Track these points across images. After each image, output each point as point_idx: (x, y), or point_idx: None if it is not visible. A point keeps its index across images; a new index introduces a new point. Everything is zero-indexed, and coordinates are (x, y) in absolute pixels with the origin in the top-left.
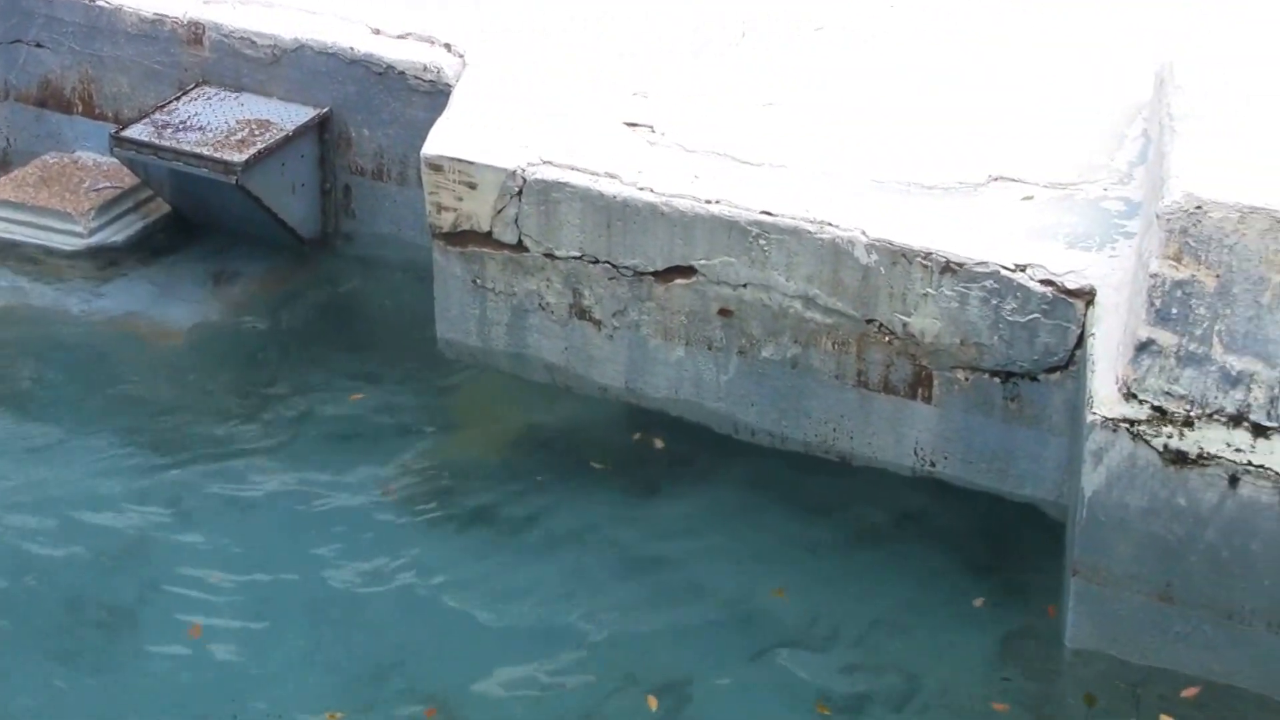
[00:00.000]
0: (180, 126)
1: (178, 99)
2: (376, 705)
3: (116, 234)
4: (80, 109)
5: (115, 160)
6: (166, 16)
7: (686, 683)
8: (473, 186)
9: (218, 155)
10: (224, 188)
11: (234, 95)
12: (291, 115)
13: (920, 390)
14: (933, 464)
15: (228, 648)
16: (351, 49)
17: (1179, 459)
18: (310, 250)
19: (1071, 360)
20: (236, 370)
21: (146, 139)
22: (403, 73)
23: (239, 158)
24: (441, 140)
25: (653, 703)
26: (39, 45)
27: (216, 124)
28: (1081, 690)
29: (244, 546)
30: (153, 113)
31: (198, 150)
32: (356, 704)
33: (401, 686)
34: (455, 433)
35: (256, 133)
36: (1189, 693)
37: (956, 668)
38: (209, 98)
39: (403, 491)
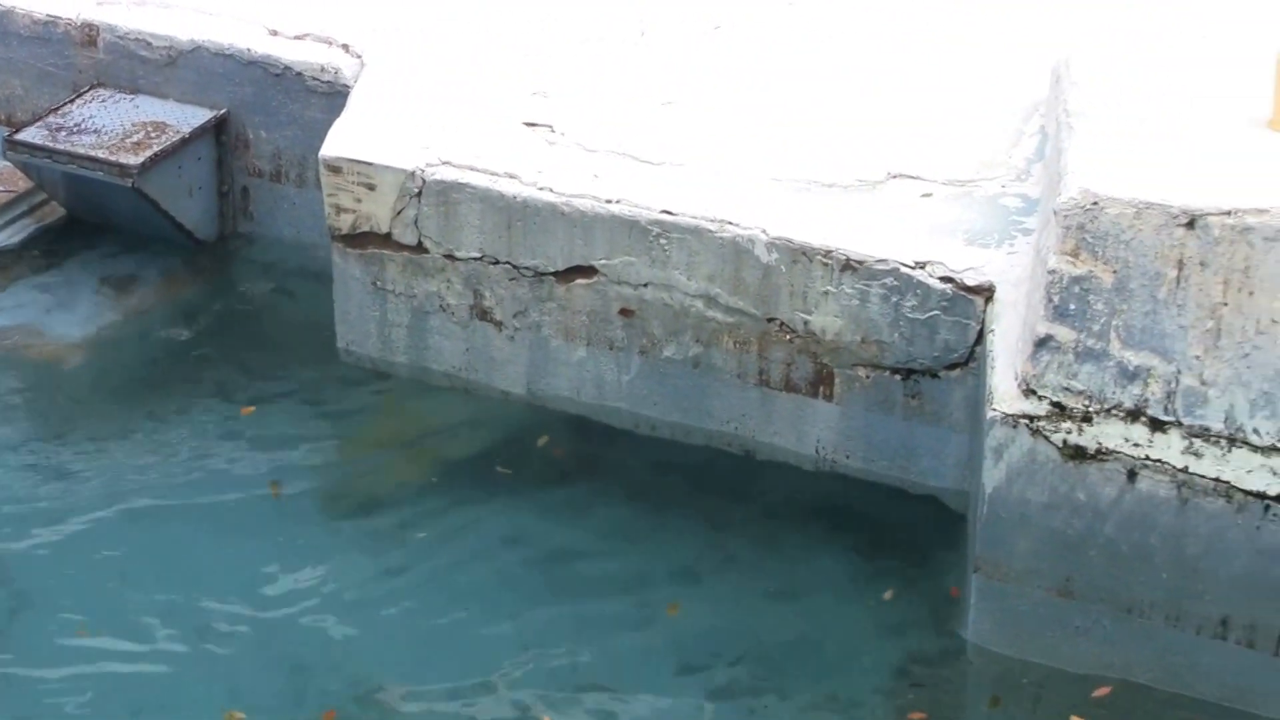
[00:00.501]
0: (75, 129)
1: (72, 101)
2: (275, 709)
3: (10, 238)
4: None
5: (8, 164)
6: (60, 18)
7: (583, 689)
8: (372, 188)
9: (113, 158)
10: (120, 191)
11: (129, 97)
12: (188, 117)
13: (822, 388)
14: (835, 462)
15: (119, 657)
16: (249, 50)
17: (1078, 454)
18: (208, 253)
19: (971, 357)
20: (132, 377)
21: (40, 142)
22: (300, 74)
23: (135, 160)
24: (340, 141)
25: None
26: None
27: (112, 126)
28: (985, 689)
29: (138, 556)
30: (47, 115)
31: (93, 153)
32: (255, 707)
33: (300, 690)
34: (354, 437)
35: (153, 135)
36: (1100, 692)
37: (859, 667)
38: (104, 100)
39: (300, 497)
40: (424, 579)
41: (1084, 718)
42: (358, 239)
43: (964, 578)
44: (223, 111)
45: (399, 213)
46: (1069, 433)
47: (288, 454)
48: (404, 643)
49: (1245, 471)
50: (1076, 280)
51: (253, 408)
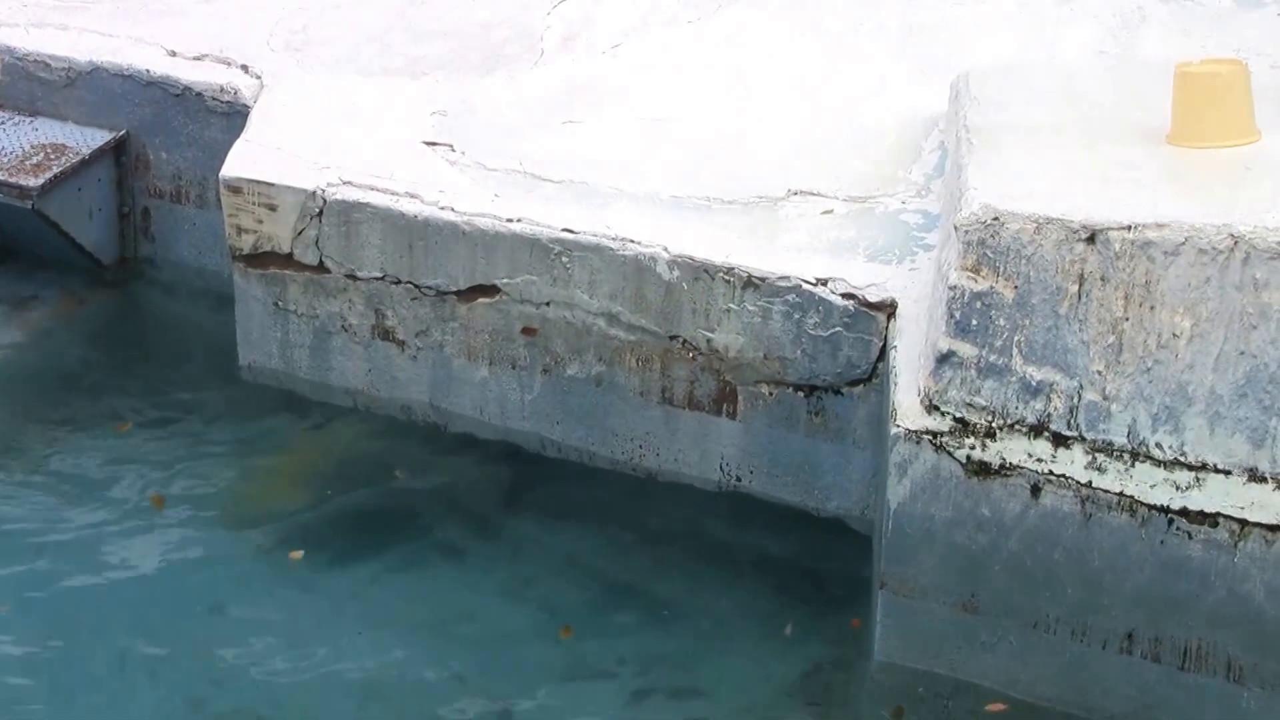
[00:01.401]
0: None
1: None
2: None
3: None
4: None
5: None
6: None
7: (478, 710)
8: (272, 208)
9: (13, 180)
10: (20, 213)
11: (28, 119)
12: (88, 138)
13: (725, 406)
14: (739, 479)
15: (16, 682)
16: (148, 71)
17: (982, 470)
18: (110, 275)
19: (874, 373)
20: (31, 396)
21: None
22: (200, 94)
23: (35, 182)
24: (240, 162)
25: None
26: None
27: (11, 148)
28: (889, 703)
29: (18, 582)
30: None
31: None
32: None
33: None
34: (254, 457)
35: (52, 156)
36: (994, 707)
37: (759, 690)
38: (2, 122)
39: (196, 520)
40: (314, 602)
41: None
42: (259, 259)
43: (868, 601)
44: (122, 133)
45: (300, 233)
46: (972, 448)
47: (184, 474)
48: (289, 666)
49: (1148, 486)
50: (978, 296)
51: (132, 424)
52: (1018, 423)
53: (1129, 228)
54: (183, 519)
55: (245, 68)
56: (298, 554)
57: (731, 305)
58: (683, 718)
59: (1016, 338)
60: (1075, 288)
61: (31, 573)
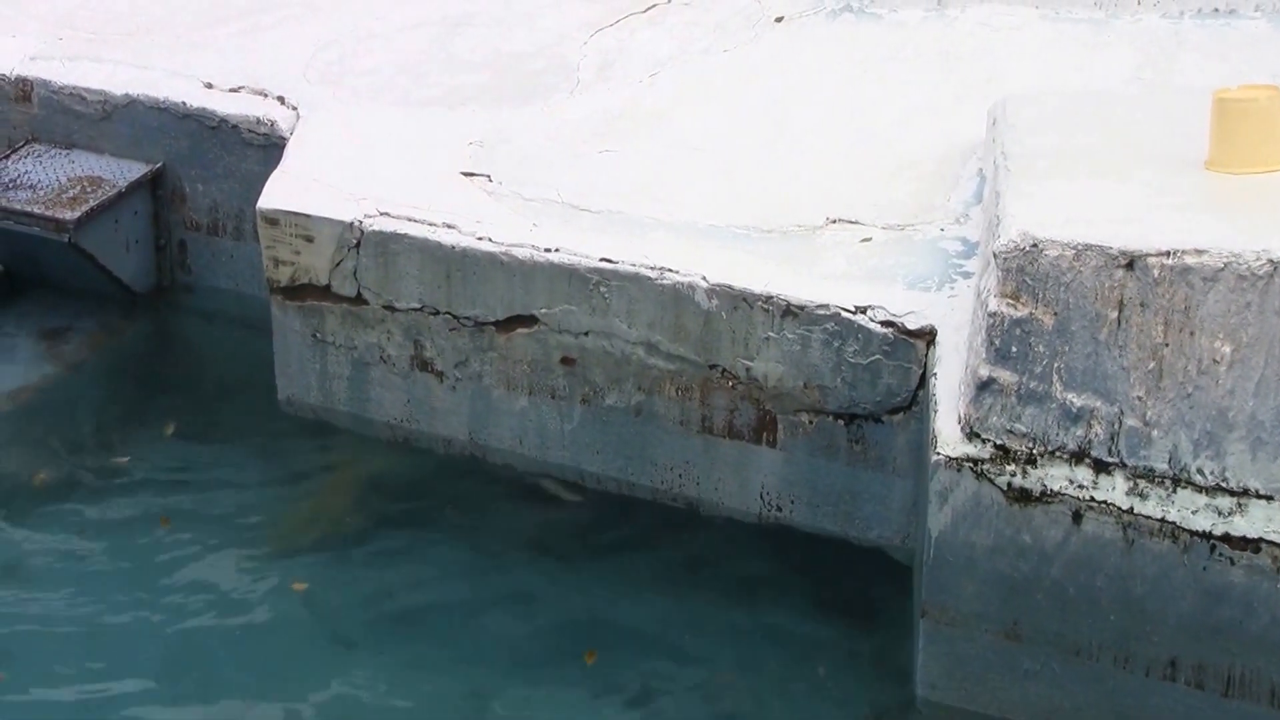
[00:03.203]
0: (10, 185)
1: (7, 157)
2: None
3: None
4: None
5: None
6: None
7: None
8: (310, 240)
9: (49, 213)
10: (57, 246)
11: (65, 152)
12: (124, 171)
13: (765, 434)
14: (779, 508)
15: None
16: (184, 103)
17: (1023, 497)
18: (146, 307)
19: (914, 401)
20: (69, 428)
21: None
22: (236, 126)
23: (71, 215)
24: (277, 194)
25: None
26: None
27: (47, 181)
28: None
29: (75, 610)
30: None
31: (29, 209)
32: None
33: None
34: (294, 490)
35: (89, 190)
36: None
37: (799, 717)
38: (39, 155)
39: (234, 552)
40: (358, 630)
41: None
42: (297, 291)
43: (910, 630)
44: (159, 165)
45: (338, 264)
46: (1013, 475)
47: (225, 506)
48: (324, 688)
49: (1190, 512)
50: (1017, 323)
51: (189, 460)
52: (1059, 449)
53: (1168, 254)
54: (221, 552)
55: (281, 99)
56: (301, 585)
57: (771, 334)
58: None
59: (1056, 364)
60: (1115, 314)
61: (63, 605)
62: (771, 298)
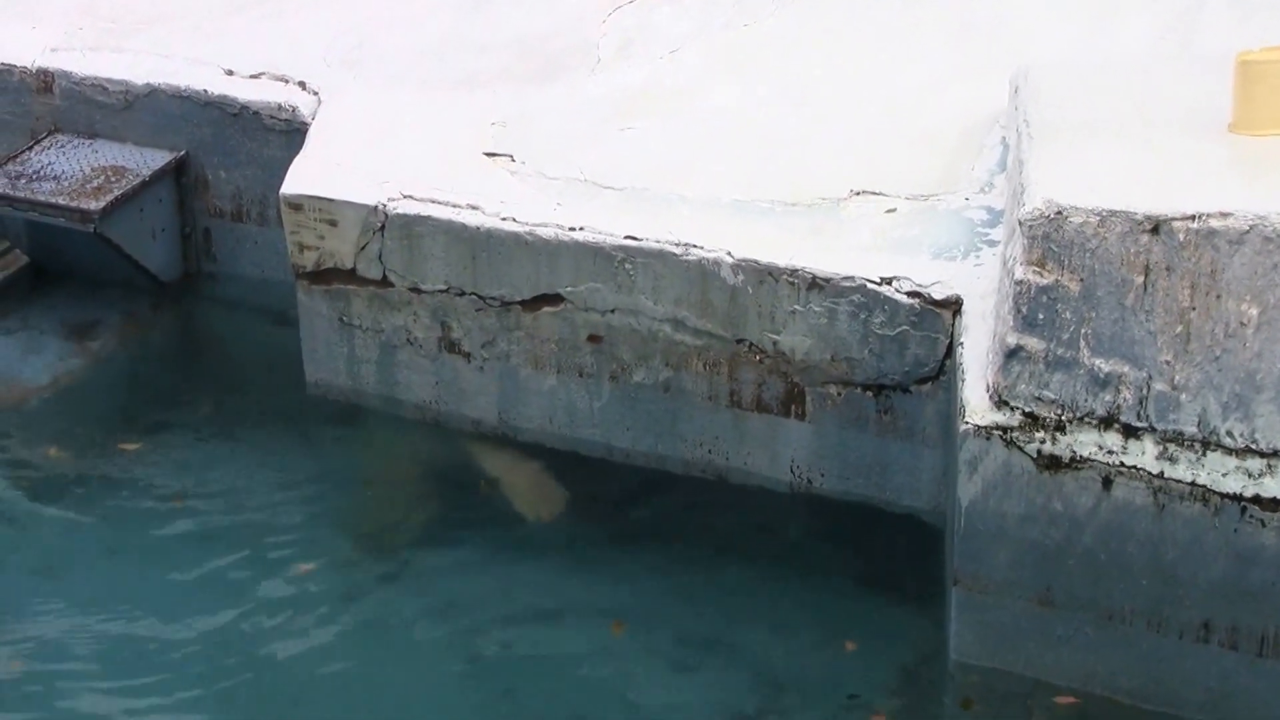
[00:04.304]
0: (34, 176)
1: (30, 148)
2: None
3: None
4: None
5: None
6: (15, 66)
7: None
8: (334, 224)
9: (74, 204)
10: (82, 236)
11: (88, 142)
12: (147, 160)
13: (794, 407)
14: (809, 480)
15: (105, 704)
16: (205, 91)
17: (1053, 464)
18: (173, 295)
19: (942, 370)
20: (101, 419)
21: (0, 191)
22: (257, 113)
23: (96, 205)
24: (300, 179)
25: None
26: None
27: (71, 172)
28: (960, 696)
29: (110, 604)
30: (5, 163)
31: (53, 200)
32: None
33: None
34: (327, 472)
35: (112, 179)
36: (1064, 700)
37: (832, 689)
38: (62, 146)
39: (268, 538)
40: (391, 609)
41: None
42: (322, 275)
43: (942, 599)
44: (181, 153)
45: (362, 248)
46: (1043, 443)
47: (259, 492)
48: (373, 675)
49: (1220, 475)
50: (1044, 290)
51: (220, 447)
52: (1087, 415)
53: (1193, 218)
54: (256, 537)
55: (303, 84)
56: (309, 566)
57: (797, 307)
58: (747, 713)
59: (1083, 330)
60: (1141, 279)
61: (95, 596)
62: (797, 271)
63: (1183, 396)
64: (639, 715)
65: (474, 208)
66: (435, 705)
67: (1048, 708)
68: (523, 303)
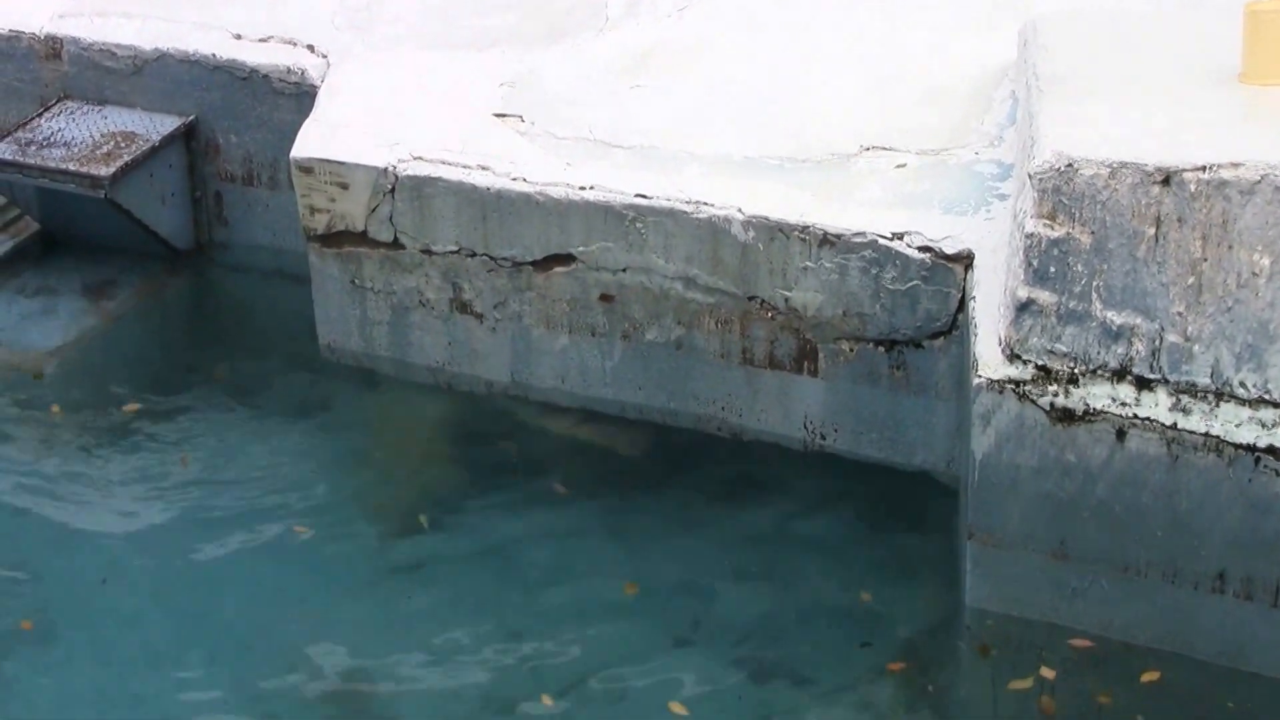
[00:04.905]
0: (44, 143)
1: (40, 115)
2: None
3: None
4: None
5: None
6: (22, 33)
7: (579, 673)
8: (345, 187)
9: (85, 170)
10: (93, 202)
11: (97, 108)
12: (157, 125)
13: (806, 364)
14: (823, 437)
15: (126, 670)
16: (213, 55)
17: (1066, 416)
18: (185, 260)
19: (954, 325)
20: (115, 383)
21: (10, 158)
22: (267, 76)
23: (106, 171)
24: (310, 142)
25: (548, 700)
26: None
27: (81, 138)
28: (976, 643)
29: (130, 564)
30: (15, 130)
31: (64, 166)
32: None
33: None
34: (341, 435)
35: (122, 145)
36: (1079, 642)
37: (847, 643)
38: (72, 112)
39: (282, 497)
40: (413, 570)
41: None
42: (334, 238)
43: (957, 552)
44: (191, 118)
45: (373, 210)
46: (1056, 395)
47: (275, 454)
48: (389, 632)
49: (1234, 425)
50: (1055, 243)
51: (234, 410)
52: (1100, 367)
53: (1204, 168)
54: (266, 498)
55: (311, 48)
56: (318, 527)
57: (808, 263)
58: (765, 667)
59: (1095, 283)
60: (1152, 231)
61: (117, 556)
62: (808, 227)
63: (1195, 348)
64: (651, 671)
65: (484, 168)
66: (444, 662)
67: (1063, 652)
68: (534, 263)
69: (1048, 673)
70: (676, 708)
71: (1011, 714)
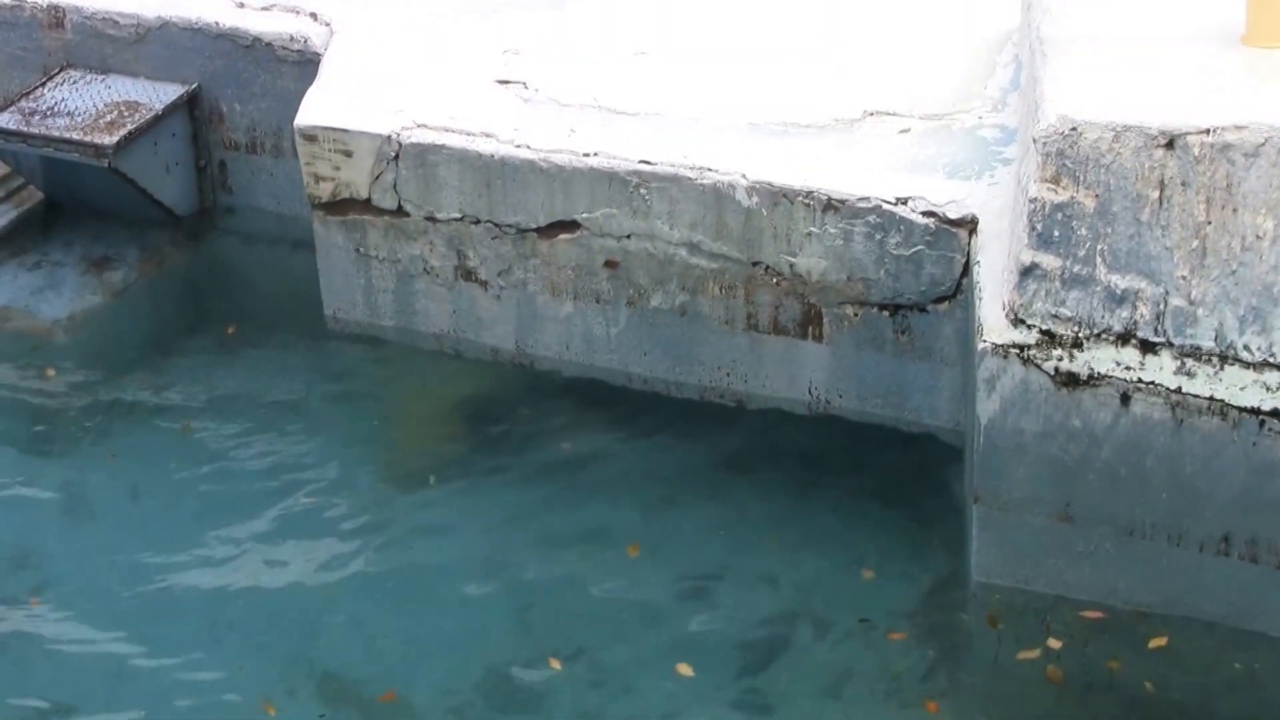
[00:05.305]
0: (48, 112)
1: (43, 84)
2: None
3: None
4: None
5: None
6: (25, 2)
7: (582, 637)
8: (349, 154)
9: (88, 139)
10: (97, 171)
11: (100, 77)
12: (160, 94)
13: (811, 329)
14: (828, 402)
15: (132, 638)
16: (216, 23)
17: (1070, 381)
18: (190, 228)
19: (958, 290)
20: (120, 352)
21: (14, 127)
22: (270, 44)
23: (110, 140)
24: (314, 110)
25: (555, 663)
26: None
27: (85, 107)
28: (982, 613)
29: (139, 537)
30: (19, 100)
31: (68, 135)
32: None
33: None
34: (346, 403)
35: (126, 114)
36: (1090, 614)
37: (854, 605)
38: (75, 81)
39: (288, 462)
40: (421, 542)
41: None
42: (338, 206)
43: (963, 516)
44: (194, 86)
45: (377, 177)
46: (1060, 360)
47: (281, 420)
48: (395, 592)
49: (1238, 389)
50: (1059, 207)
51: (240, 378)
52: (1104, 332)
53: (1207, 131)
54: (271, 465)
55: (314, 15)
56: (324, 493)
57: (813, 229)
58: (770, 628)
59: (1099, 247)
60: (1156, 194)
61: (115, 526)
62: (812, 193)
63: (1199, 311)
64: (651, 638)
65: (488, 135)
66: (452, 626)
67: (1071, 622)
68: (538, 230)
69: (1055, 643)
70: (683, 669)
71: (1020, 684)
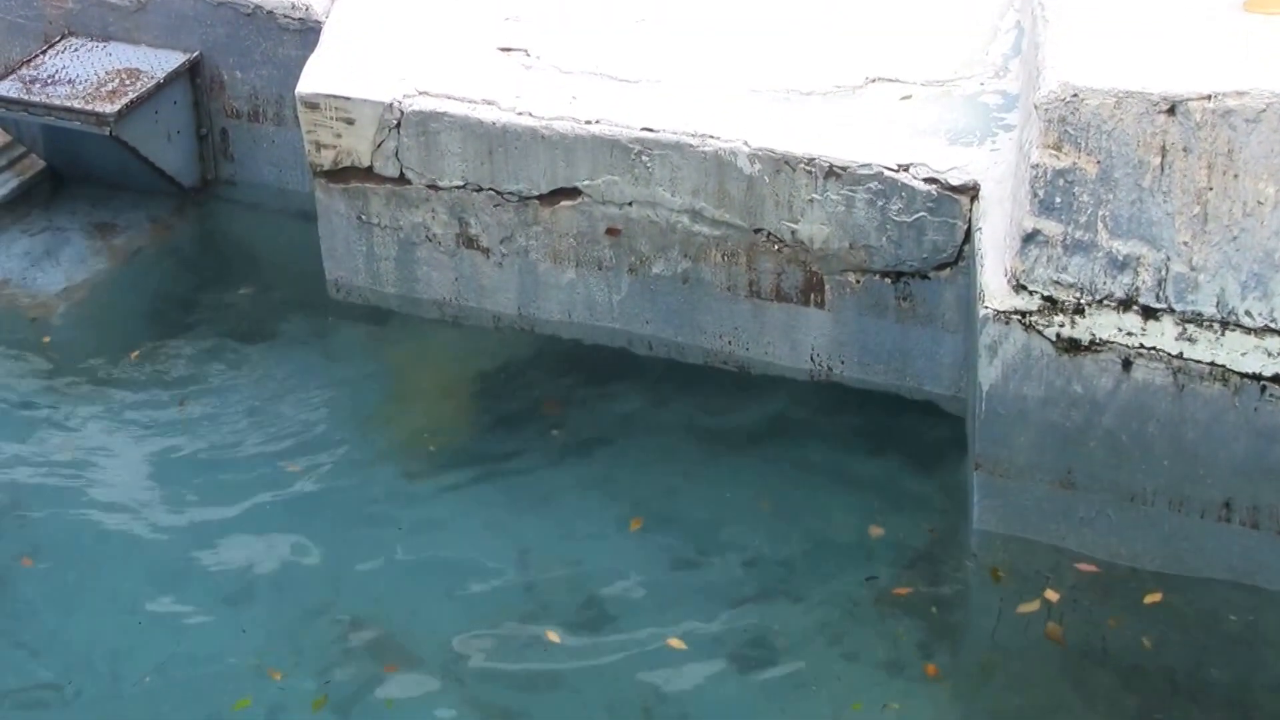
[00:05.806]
0: (49, 80)
1: (44, 52)
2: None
3: None
4: None
5: None
6: None
7: (581, 604)
8: (350, 122)
9: (90, 107)
10: (99, 140)
11: (101, 45)
12: (161, 62)
13: (813, 296)
14: (830, 369)
15: (136, 605)
16: None
17: (1072, 347)
18: (191, 197)
19: (960, 256)
20: (123, 322)
21: (15, 95)
22: (271, 11)
23: (111, 108)
24: (315, 78)
25: (552, 636)
26: None
27: (86, 75)
28: (985, 569)
29: (136, 507)
30: (19, 68)
31: (69, 103)
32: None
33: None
34: (349, 371)
35: (127, 82)
36: (1085, 567)
37: (856, 571)
38: (76, 49)
39: (290, 428)
40: (431, 507)
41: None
42: (340, 174)
43: (965, 482)
44: (195, 54)
45: (379, 145)
46: (1062, 326)
47: (283, 387)
48: (395, 558)
49: (1240, 354)
50: (1060, 173)
51: (243, 347)
52: (1106, 298)
53: (1209, 97)
54: (276, 430)
55: None
56: (327, 463)
57: (814, 195)
58: (770, 598)
59: (1101, 213)
60: (1158, 160)
61: (114, 495)
62: (814, 159)
63: (1201, 277)
64: (654, 604)
65: (490, 103)
66: (450, 590)
67: (1069, 576)
68: (540, 197)
69: (1053, 595)
70: (675, 643)
71: (1019, 636)
